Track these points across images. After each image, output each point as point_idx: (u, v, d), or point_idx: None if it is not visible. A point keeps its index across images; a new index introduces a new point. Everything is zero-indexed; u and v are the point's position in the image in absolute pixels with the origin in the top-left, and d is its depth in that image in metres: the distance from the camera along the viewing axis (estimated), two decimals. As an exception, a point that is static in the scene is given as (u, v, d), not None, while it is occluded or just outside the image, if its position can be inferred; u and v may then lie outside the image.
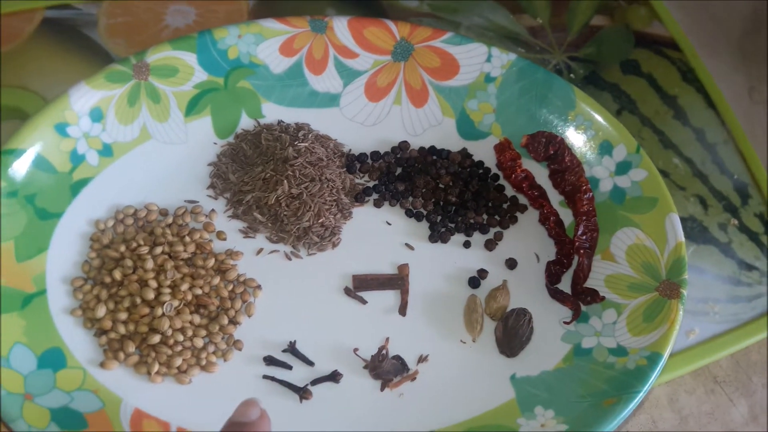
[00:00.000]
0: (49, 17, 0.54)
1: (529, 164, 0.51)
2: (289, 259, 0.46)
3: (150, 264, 0.43)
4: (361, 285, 0.46)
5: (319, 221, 0.47)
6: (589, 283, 0.47)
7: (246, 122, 0.50)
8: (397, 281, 0.46)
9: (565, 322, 0.46)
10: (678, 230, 0.46)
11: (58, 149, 0.44)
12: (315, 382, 0.42)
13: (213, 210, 0.47)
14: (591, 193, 0.49)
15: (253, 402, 0.32)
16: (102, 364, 0.40)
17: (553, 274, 0.47)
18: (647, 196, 0.48)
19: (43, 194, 0.43)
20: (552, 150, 0.50)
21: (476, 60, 0.52)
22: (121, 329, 0.41)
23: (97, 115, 0.45)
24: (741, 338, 0.50)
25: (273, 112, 0.51)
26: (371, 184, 0.50)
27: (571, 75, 0.60)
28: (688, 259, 0.51)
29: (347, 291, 0.46)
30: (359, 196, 0.49)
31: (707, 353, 0.49)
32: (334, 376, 0.42)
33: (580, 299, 0.46)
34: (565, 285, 0.47)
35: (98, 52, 0.54)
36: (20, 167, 0.42)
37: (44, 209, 0.43)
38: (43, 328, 0.40)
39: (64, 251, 0.43)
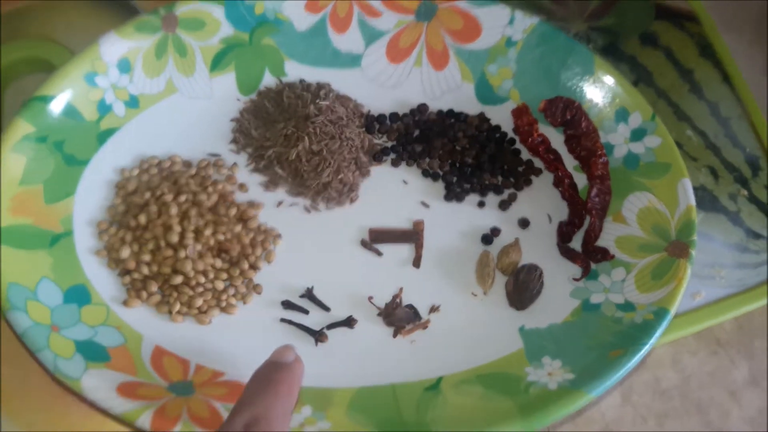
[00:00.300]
0: (78, -27, 0.55)
1: (545, 130, 0.52)
2: (308, 212, 0.48)
3: (174, 210, 0.44)
4: (377, 238, 0.47)
5: (338, 177, 0.48)
6: (600, 244, 0.48)
7: (269, 80, 0.51)
8: (412, 235, 0.47)
9: (574, 279, 0.47)
10: (689, 195, 0.47)
11: (86, 98, 0.45)
12: (331, 326, 0.43)
13: (235, 163, 0.48)
14: (606, 158, 0.50)
15: (290, 347, 0.34)
16: (125, 303, 0.42)
17: (564, 233, 0.48)
18: (660, 162, 0.49)
19: (71, 141, 0.44)
20: (569, 115, 0.51)
21: (499, 22, 0.52)
22: (145, 270, 0.43)
23: (125, 66, 0.46)
24: (745, 302, 0.51)
25: (295, 71, 0.52)
26: (389, 144, 0.51)
27: (590, 44, 0.61)
28: (697, 226, 0.52)
29: (364, 243, 0.47)
30: (378, 156, 0.50)
31: (711, 315, 0.50)
32: (349, 321, 0.43)
33: (590, 257, 0.47)
34: (575, 245, 0.48)
35: (126, 7, 0.55)
36: (50, 114, 0.44)
37: (72, 156, 0.44)
38: (69, 266, 0.42)
39: (91, 196, 0.45)
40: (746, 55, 0.64)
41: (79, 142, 0.45)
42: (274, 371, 0.32)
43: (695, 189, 0.54)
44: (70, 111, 0.44)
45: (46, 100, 0.43)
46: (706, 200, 0.55)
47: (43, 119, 0.43)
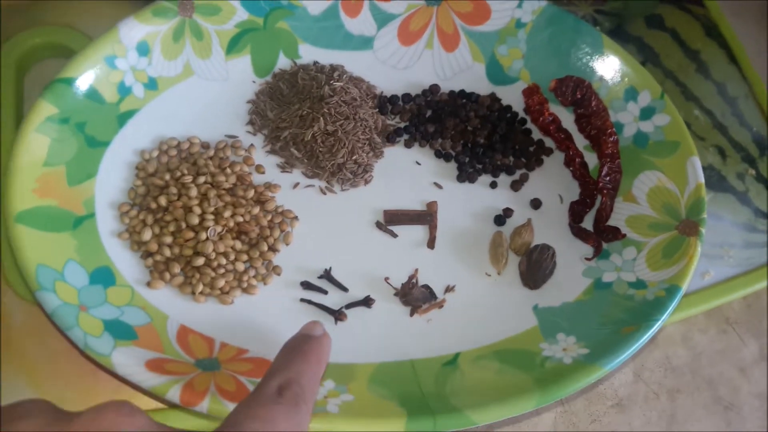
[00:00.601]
0: (92, -42, 0.56)
1: (556, 109, 0.53)
2: (324, 193, 0.48)
3: (194, 192, 0.45)
4: (391, 219, 0.48)
5: (353, 158, 0.49)
6: (611, 224, 0.49)
7: (283, 62, 0.52)
8: (426, 217, 0.48)
9: (586, 258, 0.48)
10: (699, 172, 0.48)
11: (107, 80, 0.46)
12: (349, 306, 0.44)
13: (252, 145, 0.49)
14: (616, 137, 0.51)
15: (318, 323, 0.36)
16: (148, 284, 0.43)
17: (576, 213, 0.49)
18: (669, 140, 0.50)
19: (92, 123, 0.45)
20: (579, 94, 0.51)
21: (508, 5, 0.53)
22: (167, 252, 0.43)
23: (143, 49, 0.47)
24: (753, 281, 0.52)
25: (309, 53, 0.52)
26: (402, 125, 0.52)
27: (597, 27, 0.61)
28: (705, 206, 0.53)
29: (378, 225, 0.48)
30: (391, 137, 0.51)
31: (720, 294, 0.51)
32: (366, 301, 0.44)
33: (601, 237, 0.48)
34: (587, 225, 0.49)
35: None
36: (72, 95, 0.44)
37: (93, 137, 0.45)
38: (93, 248, 0.43)
39: (111, 178, 0.46)
40: (751, 36, 0.65)
41: (100, 124, 0.45)
42: (303, 342, 0.34)
43: (703, 168, 0.55)
44: (91, 93, 0.45)
45: (69, 81, 0.44)
46: (714, 180, 0.56)
47: (66, 101, 0.44)
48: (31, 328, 0.43)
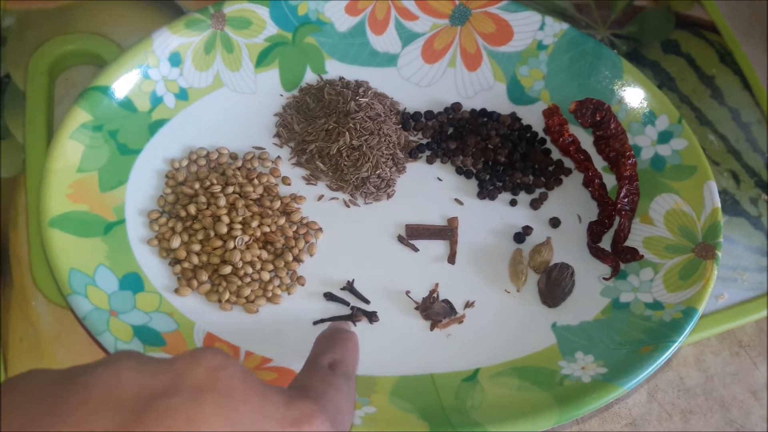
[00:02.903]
0: (125, -31, 0.57)
1: (575, 130, 0.54)
2: (348, 206, 0.49)
3: (223, 201, 0.45)
4: (413, 234, 0.49)
5: (377, 172, 0.50)
6: (628, 245, 0.50)
7: (310, 77, 0.53)
8: (447, 232, 0.49)
9: (604, 278, 0.48)
10: (715, 197, 0.49)
11: (139, 90, 0.47)
12: (357, 309, 0.45)
13: (279, 157, 0.50)
14: (634, 159, 0.52)
15: (347, 323, 0.39)
16: (176, 291, 0.43)
17: (594, 233, 0.50)
18: (686, 164, 0.51)
19: (124, 131, 0.46)
20: (599, 117, 0.53)
21: (530, 27, 0.54)
22: (195, 260, 0.44)
23: (175, 60, 0.48)
24: (766, 306, 0.53)
25: (335, 69, 0.53)
26: (425, 141, 0.53)
27: (614, 51, 0.63)
28: (720, 230, 0.54)
29: (400, 239, 0.48)
30: (413, 152, 0.52)
31: (734, 317, 0.52)
32: (370, 316, 0.45)
33: (619, 257, 0.49)
34: (605, 245, 0.50)
35: (169, 6, 0.56)
36: (106, 104, 0.45)
37: (125, 145, 0.46)
38: (122, 254, 0.43)
39: (142, 185, 0.46)
40: (764, 64, 0.66)
41: (132, 132, 0.46)
42: (340, 333, 0.37)
43: (718, 193, 0.57)
44: (124, 101, 0.46)
45: (103, 90, 0.45)
46: (728, 204, 0.57)
47: (100, 108, 0.45)
48: (60, 332, 0.43)
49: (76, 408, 0.24)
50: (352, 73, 0.54)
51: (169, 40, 0.47)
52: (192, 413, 0.24)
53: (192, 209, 0.45)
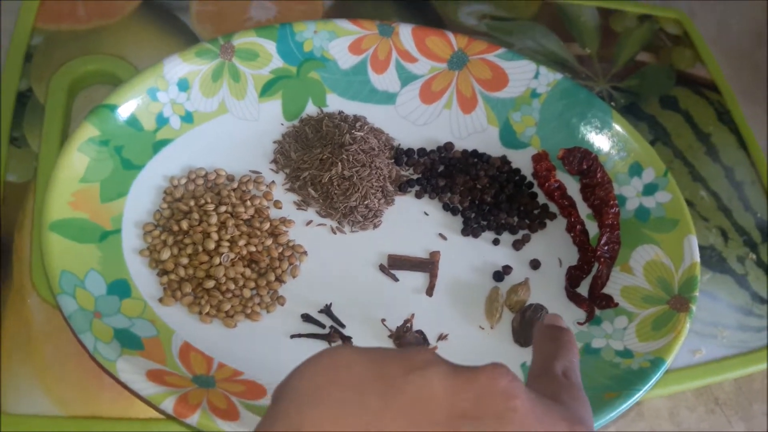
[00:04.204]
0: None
1: (563, 177, 0.55)
2: (334, 233, 0.51)
3: (214, 219, 0.48)
4: (394, 264, 0.50)
5: (365, 203, 0.52)
6: (606, 292, 0.51)
7: (311, 109, 0.56)
8: (428, 265, 0.51)
9: (578, 323, 0.49)
10: (695, 251, 0.50)
11: (147, 110, 0.50)
12: (334, 330, 0.46)
13: (273, 181, 0.53)
14: (617, 209, 0.53)
15: (560, 316, 0.37)
16: (161, 300, 0.46)
17: (573, 277, 0.51)
18: (669, 217, 0.52)
19: (129, 147, 0.49)
20: (585, 165, 0.54)
21: (525, 76, 0.56)
22: (181, 272, 0.47)
23: (184, 86, 0.51)
24: (745, 364, 0.53)
25: (335, 103, 0.56)
26: (415, 177, 0.55)
27: (612, 103, 0.64)
28: (703, 285, 0.55)
29: (382, 268, 0.50)
30: (403, 186, 0.54)
31: (711, 373, 0.52)
32: (344, 339, 0.46)
33: (595, 303, 0.50)
34: (582, 290, 0.51)
35: (187, 34, 0.60)
36: (114, 121, 0.48)
37: (129, 160, 0.49)
38: (114, 261, 0.46)
39: (140, 199, 0.49)
40: (762, 125, 0.67)
41: (137, 149, 0.49)
42: (562, 334, 0.35)
43: (704, 248, 0.57)
44: (131, 120, 0.49)
45: (112, 108, 0.48)
46: (714, 260, 0.57)
47: (108, 125, 0.48)
48: (50, 330, 0.46)
49: (398, 416, 0.25)
50: (351, 108, 0.56)
51: (179, 66, 0.51)
52: None
53: (184, 224, 0.48)
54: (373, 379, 0.27)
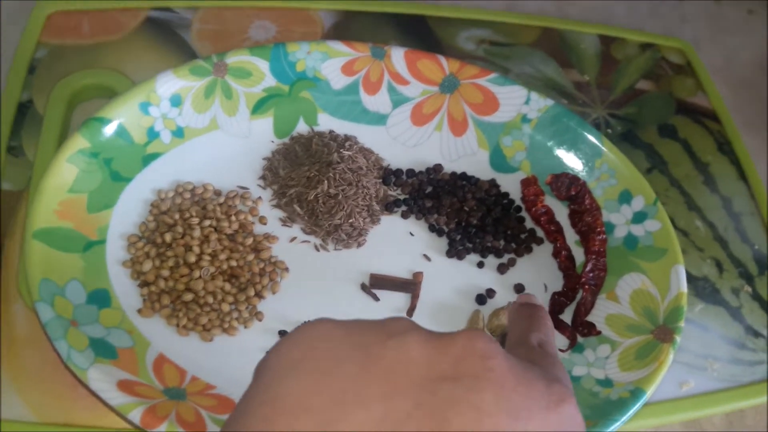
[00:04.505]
0: (152, 17, 0.63)
1: (553, 203, 0.55)
2: (318, 250, 0.52)
3: (197, 233, 0.48)
4: (376, 283, 0.50)
5: (349, 221, 0.52)
6: (591, 320, 0.50)
7: (302, 127, 0.57)
8: (410, 286, 0.50)
9: (560, 350, 0.48)
10: (682, 281, 0.49)
11: (138, 124, 0.51)
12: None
13: (260, 197, 0.53)
14: (604, 236, 0.52)
15: (532, 295, 0.40)
16: (140, 311, 0.46)
17: (556, 303, 0.50)
18: (658, 246, 0.51)
19: (119, 159, 0.50)
20: (574, 191, 0.54)
21: (516, 101, 0.56)
22: (162, 284, 0.47)
23: (176, 101, 0.52)
24: (736, 399, 0.51)
25: (327, 122, 0.57)
26: (402, 197, 0.55)
27: (609, 130, 0.64)
28: (694, 316, 0.54)
29: (363, 287, 0.50)
30: (389, 206, 0.54)
31: (698, 407, 0.51)
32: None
33: (578, 330, 0.49)
34: (567, 317, 0.50)
35: (187, 51, 0.61)
36: (104, 133, 0.49)
37: (117, 172, 0.50)
38: (97, 271, 0.47)
39: (127, 211, 0.50)
40: (764, 157, 0.66)
41: (126, 162, 0.50)
42: (536, 310, 0.37)
43: (697, 279, 0.56)
44: (122, 133, 0.50)
45: (103, 121, 0.49)
46: (707, 291, 0.56)
47: (98, 137, 0.49)
48: (31, 337, 0.46)
49: (376, 380, 0.26)
50: (342, 127, 0.57)
51: (172, 82, 0.52)
52: (479, 403, 0.26)
53: (168, 237, 0.48)
54: (350, 347, 0.27)
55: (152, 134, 0.52)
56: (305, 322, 0.29)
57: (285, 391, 0.26)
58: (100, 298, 0.46)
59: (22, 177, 0.53)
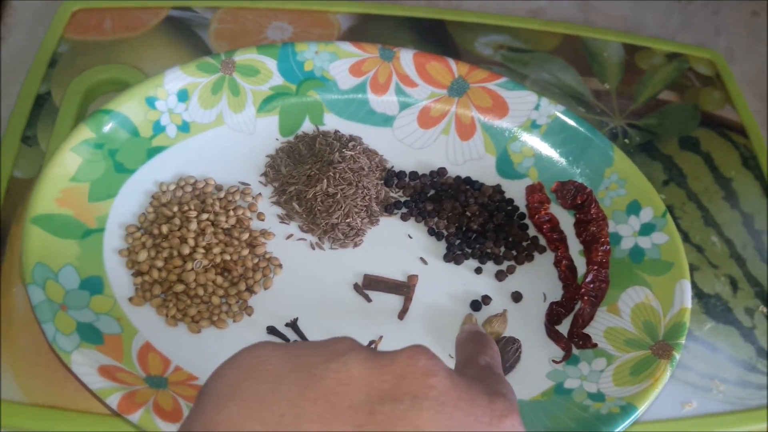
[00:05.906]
0: (172, 16, 0.64)
1: (560, 212, 0.53)
2: (313, 249, 0.51)
3: (194, 226, 0.49)
4: (370, 284, 0.50)
5: (347, 221, 0.51)
6: (590, 332, 0.48)
7: (307, 126, 0.57)
8: (404, 288, 0.50)
9: (554, 361, 0.47)
10: (686, 297, 0.47)
11: (145, 118, 0.52)
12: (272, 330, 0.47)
13: (260, 194, 0.53)
14: (608, 246, 0.50)
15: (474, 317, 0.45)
16: (131, 300, 0.47)
17: (553, 313, 0.49)
18: (664, 259, 0.49)
19: (123, 151, 0.51)
20: (579, 200, 0.52)
21: (526, 106, 0.55)
22: (155, 274, 0.48)
23: (183, 96, 0.53)
24: (741, 423, 0.48)
25: (333, 122, 0.57)
26: (403, 199, 0.54)
27: (626, 140, 0.62)
28: (703, 335, 0.51)
29: (356, 287, 0.50)
30: (389, 208, 0.53)
31: (700, 427, 0.48)
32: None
33: (573, 342, 0.47)
34: (564, 328, 0.49)
35: (203, 50, 0.62)
36: (111, 126, 0.51)
37: (121, 164, 0.51)
38: (93, 258, 0.47)
39: (128, 202, 0.51)
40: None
41: (130, 154, 0.51)
42: (482, 337, 0.39)
43: (709, 296, 0.54)
44: (128, 126, 0.51)
45: (109, 113, 0.51)
46: (718, 310, 0.54)
47: (103, 129, 0.50)
48: (27, 320, 0.47)
49: (315, 403, 0.26)
50: (348, 128, 0.57)
51: (179, 77, 0.53)
52: (418, 422, 0.26)
53: (164, 229, 0.49)
54: (291, 369, 0.27)
55: (158, 128, 0.53)
56: (245, 347, 0.29)
57: (224, 417, 0.26)
58: (94, 284, 0.46)
59: (34, 166, 0.54)
